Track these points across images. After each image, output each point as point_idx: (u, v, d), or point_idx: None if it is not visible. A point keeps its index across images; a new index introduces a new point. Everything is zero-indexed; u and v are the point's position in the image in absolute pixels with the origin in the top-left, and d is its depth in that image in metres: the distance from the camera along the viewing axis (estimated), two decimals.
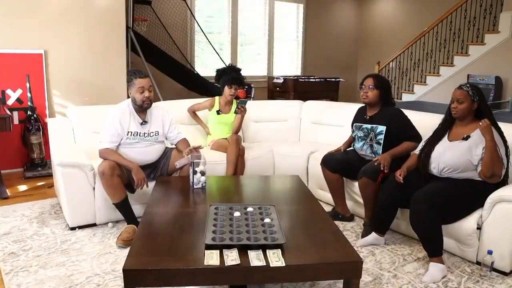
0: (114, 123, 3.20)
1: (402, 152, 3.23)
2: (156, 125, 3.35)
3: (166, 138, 3.47)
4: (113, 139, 3.19)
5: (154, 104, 3.44)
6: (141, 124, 3.28)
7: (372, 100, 3.32)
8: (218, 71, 4.17)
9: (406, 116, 3.34)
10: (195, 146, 3.36)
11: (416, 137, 3.27)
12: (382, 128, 3.29)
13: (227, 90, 4.07)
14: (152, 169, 3.38)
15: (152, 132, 3.32)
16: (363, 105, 3.51)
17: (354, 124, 3.51)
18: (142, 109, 3.26)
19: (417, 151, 3.13)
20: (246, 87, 6.80)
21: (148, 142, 3.31)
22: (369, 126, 3.36)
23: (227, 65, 4.52)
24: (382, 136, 3.28)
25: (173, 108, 4.17)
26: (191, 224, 2.40)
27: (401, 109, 3.40)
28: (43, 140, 4.69)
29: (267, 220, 2.29)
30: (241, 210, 2.44)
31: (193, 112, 4.28)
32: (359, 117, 3.50)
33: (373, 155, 3.32)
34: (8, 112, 4.04)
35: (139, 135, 3.27)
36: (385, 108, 3.35)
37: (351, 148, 3.59)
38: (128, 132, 3.23)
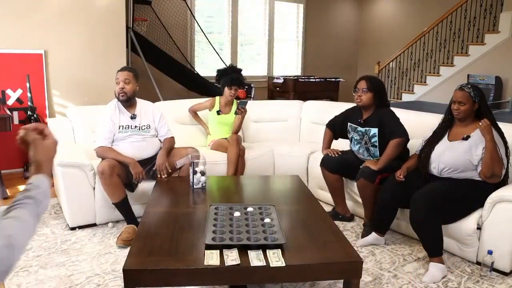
0: (106, 120, 3.29)
1: (392, 153, 3.13)
2: (146, 118, 3.42)
3: (157, 133, 3.49)
4: (107, 136, 3.26)
5: (144, 101, 3.49)
6: (131, 118, 3.34)
7: (366, 103, 3.28)
8: (218, 71, 4.18)
9: (395, 115, 3.28)
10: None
11: (398, 132, 3.15)
12: (374, 131, 3.27)
13: (227, 91, 4.08)
14: (151, 166, 3.39)
15: (144, 125, 3.38)
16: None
17: (349, 124, 3.48)
18: (121, 102, 3.33)
19: (417, 151, 3.13)
20: (246, 87, 6.80)
21: (141, 136, 3.35)
22: (363, 129, 3.33)
23: (228, 65, 4.51)
24: (376, 139, 3.26)
25: (173, 108, 4.18)
26: (191, 224, 2.40)
27: (393, 110, 3.35)
28: None
29: (267, 220, 2.29)
30: (241, 210, 2.43)
31: (194, 112, 4.28)
32: (354, 119, 3.44)
33: (371, 158, 3.32)
34: (8, 112, 4.03)
35: (131, 128, 3.33)
36: (378, 110, 3.31)
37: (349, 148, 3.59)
38: (120, 126, 3.30)
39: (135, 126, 3.35)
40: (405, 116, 3.35)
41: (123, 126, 3.31)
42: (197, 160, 3.02)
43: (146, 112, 3.43)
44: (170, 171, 3.29)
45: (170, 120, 3.95)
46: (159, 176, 3.25)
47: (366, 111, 3.34)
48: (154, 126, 3.45)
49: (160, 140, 3.50)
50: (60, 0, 4.82)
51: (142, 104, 3.46)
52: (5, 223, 1.02)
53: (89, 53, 5.07)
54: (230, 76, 4.05)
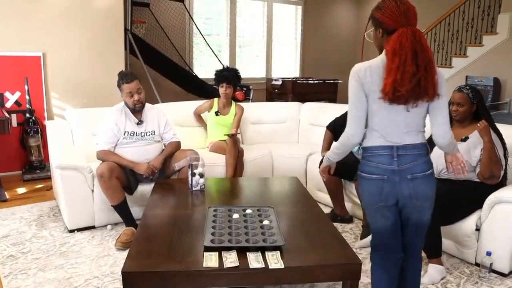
0: (110, 124, 3.24)
1: None
2: (152, 124, 3.38)
3: (162, 139, 3.48)
4: (110, 140, 3.23)
5: (150, 106, 3.47)
6: (137, 124, 3.31)
7: None
8: (215, 74, 4.19)
9: None
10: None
11: None
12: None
13: (220, 90, 4.10)
14: None
15: (149, 132, 3.35)
16: None
17: None
18: (135, 111, 3.30)
19: None
20: (245, 89, 6.80)
21: (145, 142, 3.33)
22: None
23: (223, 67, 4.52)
24: None
25: (172, 110, 4.17)
26: (190, 226, 2.40)
27: None
28: (41, 142, 4.69)
29: (266, 222, 2.29)
30: (240, 212, 2.44)
31: (198, 115, 4.29)
32: None
33: None
34: (7, 115, 4.04)
35: (136, 135, 3.29)
36: None
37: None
38: (125, 132, 3.26)
39: (141, 133, 3.32)
40: None
41: (128, 132, 3.28)
42: (196, 162, 3.02)
43: (152, 118, 3.40)
44: (156, 173, 3.29)
45: (171, 123, 3.94)
46: (144, 176, 3.27)
47: None
48: (158, 132, 3.43)
49: (164, 145, 3.50)
50: (58, 2, 4.83)
51: (148, 109, 3.41)
52: None
53: (87, 56, 5.08)
54: (221, 74, 4.08)
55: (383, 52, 1.89)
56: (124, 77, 3.23)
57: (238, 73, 4.19)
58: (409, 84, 1.77)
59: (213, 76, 4.21)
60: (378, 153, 1.93)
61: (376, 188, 1.94)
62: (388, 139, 1.91)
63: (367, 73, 1.87)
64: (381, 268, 2.09)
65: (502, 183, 2.82)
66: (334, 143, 2.15)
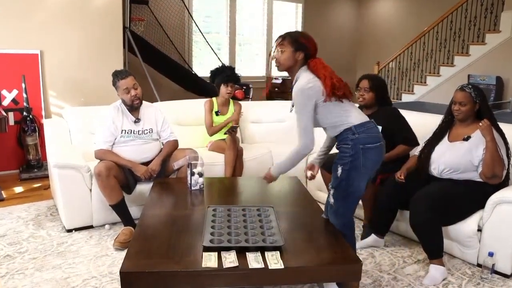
0: (107, 123, 3.23)
1: (398, 154, 3.15)
2: (149, 122, 3.36)
3: (159, 137, 3.45)
4: (108, 139, 3.21)
5: (147, 103, 3.44)
6: (135, 122, 3.29)
7: (368, 102, 3.27)
8: (212, 72, 4.13)
9: (404, 118, 3.27)
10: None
11: (412, 140, 3.19)
12: (379, 128, 3.24)
13: (223, 89, 4.03)
14: None
15: (146, 130, 3.32)
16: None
17: None
18: (133, 108, 3.28)
19: (417, 152, 3.10)
20: (244, 87, 6.78)
21: (143, 140, 3.31)
22: None
23: (221, 65, 4.47)
24: None
25: (171, 109, 4.15)
26: (189, 226, 2.38)
27: (399, 110, 3.34)
28: (39, 141, 4.66)
29: (265, 222, 2.27)
30: (239, 211, 2.42)
31: (210, 124, 4.06)
32: None
33: None
34: (4, 113, 4.01)
35: (133, 133, 3.27)
36: (382, 109, 3.29)
37: None
38: (122, 130, 3.24)
39: (138, 131, 3.30)
40: (406, 117, 3.32)
41: (125, 130, 3.26)
42: (195, 161, 2.99)
43: (149, 116, 3.38)
44: (155, 176, 3.25)
45: (168, 121, 3.91)
46: (143, 179, 3.24)
47: (368, 109, 3.32)
48: (156, 130, 3.40)
49: (162, 143, 3.47)
50: (56, 0, 4.79)
51: (145, 107, 3.39)
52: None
53: (85, 54, 5.05)
54: (225, 73, 4.02)
55: (305, 70, 2.38)
56: (118, 74, 3.24)
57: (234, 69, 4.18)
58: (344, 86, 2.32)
59: (209, 75, 4.15)
60: (370, 126, 2.27)
61: (380, 153, 2.25)
62: (363, 116, 2.33)
63: (315, 88, 2.32)
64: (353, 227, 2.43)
65: (504, 183, 2.79)
66: (289, 156, 2.61)
